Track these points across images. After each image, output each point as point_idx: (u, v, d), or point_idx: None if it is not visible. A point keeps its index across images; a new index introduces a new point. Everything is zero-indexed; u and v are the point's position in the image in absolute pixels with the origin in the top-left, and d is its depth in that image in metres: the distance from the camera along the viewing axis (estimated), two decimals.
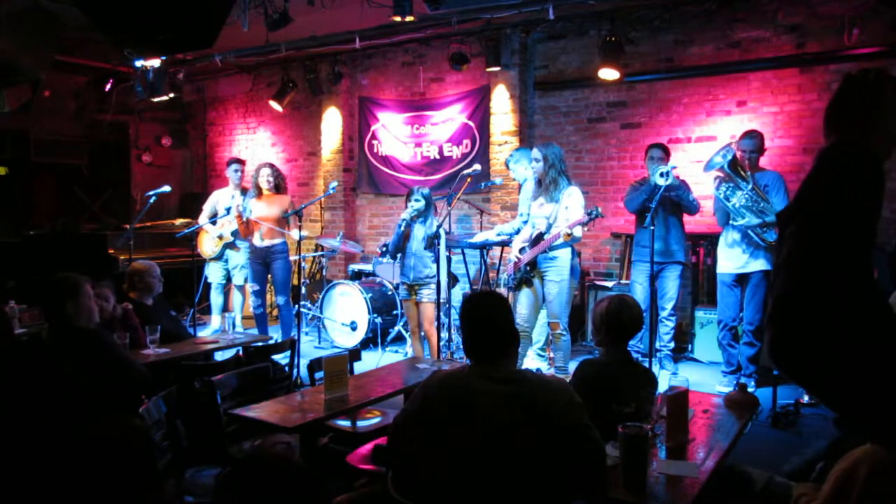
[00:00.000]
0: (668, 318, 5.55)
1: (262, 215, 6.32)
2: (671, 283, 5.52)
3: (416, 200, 5.33)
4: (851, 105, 1.07)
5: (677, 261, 5.52)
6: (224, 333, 4.62)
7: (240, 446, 3.25)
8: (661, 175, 5.01)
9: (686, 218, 5.62)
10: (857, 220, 1.00)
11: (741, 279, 5.11)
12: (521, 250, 5.07)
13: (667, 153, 5.51)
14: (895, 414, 0.96)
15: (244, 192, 6.90)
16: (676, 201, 5.38)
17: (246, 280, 6.99)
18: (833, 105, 1.09)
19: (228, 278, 7.09)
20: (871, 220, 1.01)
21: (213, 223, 6.90)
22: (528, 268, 5.00)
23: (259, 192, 6.41)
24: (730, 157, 4.82)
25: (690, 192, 5.45)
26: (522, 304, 5.04)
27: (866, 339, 0.95)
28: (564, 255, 4.93)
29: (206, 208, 7.07)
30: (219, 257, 6.96)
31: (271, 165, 6.53)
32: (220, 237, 6.90)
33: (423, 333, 5.40)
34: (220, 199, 7.04)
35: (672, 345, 5.65)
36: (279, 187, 6.46)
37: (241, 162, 7.14)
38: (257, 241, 6.36)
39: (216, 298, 7.13)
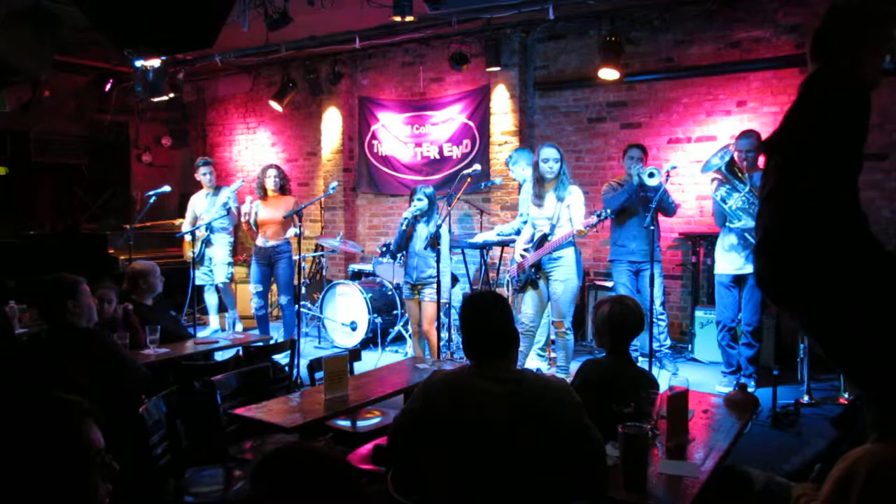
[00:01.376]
0: (659, 317, 5.55)
1: (268, 217, 6.32)
2: (655, 283, 5.52)
3: (419, 199, 5.28)
4: (837, 31, 1.02)
5: (658, 259, 5.55)
6: (224, 333, 4.62)
7: (240, 446, 3.25)
8: (650, 175, 5.03)
9: (686, 218, 5.61)
10: (842, 151, 0.97)
11: (739, 280, 5.11)
12: (525, 251, 5.07)
13: (645, 153, 5.57)
14: (881, 356, 0.94)
15: (217, 190, 6.88)
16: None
17: (228, 278, 6.94)
18: (819, 31, 1.04)
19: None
20: (857, 149, 0.98)
21: (196, 229, 6.82)
22: (532, 269, 5.00)
23: (264, 194, 6.41)
24: (727, 158, 4.83)
25: (669, 195, 5.50)
26: (528, 304, 5.05)
27: (855, 272, 0.93)
28: (569, 254, 4.93)
29: (188, 216, 7.08)
30: (200, 260, 6.90)
31: (277, 167, 6.55)
32: (193, 235, 6.77)
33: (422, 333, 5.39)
34: (196, 203, 7.01)
35: (668, 342, 5.66)
36: (284, 188, 6.47)
37: (210, 163, 7.11)
38: (261, 241, 6.37)
39: (210, 299, 7.13)
